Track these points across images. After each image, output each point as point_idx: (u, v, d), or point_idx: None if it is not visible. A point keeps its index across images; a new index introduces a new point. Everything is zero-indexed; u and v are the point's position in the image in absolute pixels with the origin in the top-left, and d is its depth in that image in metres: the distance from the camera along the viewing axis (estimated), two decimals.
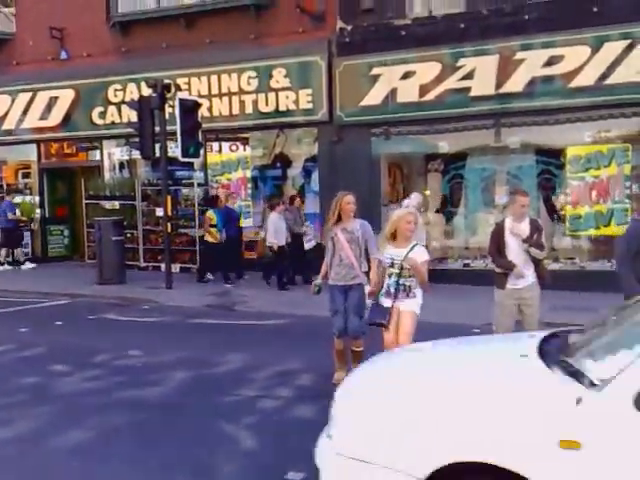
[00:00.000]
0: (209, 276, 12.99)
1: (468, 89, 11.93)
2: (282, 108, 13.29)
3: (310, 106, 13.05)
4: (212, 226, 12.62)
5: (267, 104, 13.41)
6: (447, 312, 9.02)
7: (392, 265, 5.59)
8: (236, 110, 13.69)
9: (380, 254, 5.77)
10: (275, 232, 11.83)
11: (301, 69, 13.16)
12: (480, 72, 11.82)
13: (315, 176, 13.64)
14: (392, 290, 5.59)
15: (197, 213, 13.98)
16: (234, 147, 14.47)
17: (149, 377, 6.59)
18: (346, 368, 6.07)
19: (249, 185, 14.16)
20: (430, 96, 12.16)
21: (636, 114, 11.05)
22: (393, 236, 5.67)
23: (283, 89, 13.28)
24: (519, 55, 11.58)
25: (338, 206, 6.17)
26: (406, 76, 12.32)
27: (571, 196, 11.67)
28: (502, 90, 11.70)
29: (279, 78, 13.32)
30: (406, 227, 5.62)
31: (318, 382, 6.30)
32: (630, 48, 10.77)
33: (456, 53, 11.97)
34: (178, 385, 6.37)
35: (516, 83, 11.61)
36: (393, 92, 12.41)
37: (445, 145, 13.03)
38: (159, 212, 13.46)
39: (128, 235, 14.21)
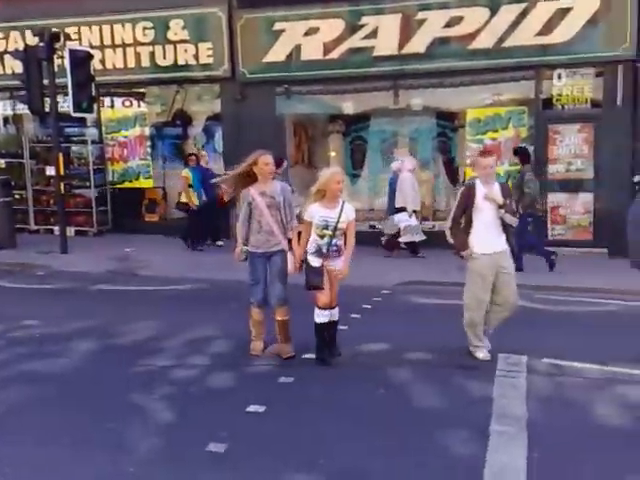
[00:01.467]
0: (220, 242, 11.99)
1: (371, 49, 11.86)
2: (181, 62, 12.71)
3: (211, 61, 12.56)
4: (190, 187, 11.68)
5: (165, 57, 12.77)
6: (356, 274, 9.13)
7: (326, 227, 5.51)
8: (131, 63, 12.95)
9: (307, 215, 5.57)
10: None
11: (200, 21, 12.59)
12: (382, 32, 11.78)
13: (218, 135, 13.22)
14: (324, 250, 5.54)
15: (92, 172, 13.30)
16: (130, 103, 13.75)
17: (50, 349, 6.22)
18: (263, 337, 5.98)
19: (147, 143, 13.54)
20: (334, 54, 11.99)
21: (532, 77, 11.41)
22: (322, 196, 5.55)
23: (181, 42, 12.68)
24: (420, 15, 11.62)
25: (254, 166, 5.74)
26: (309, 33, 12.10)
27: (470, 158, 11.97)
28: (404, 51, 11.72)
29: (177, 30, 12.70)
30: (336, 187, 5.51)
31: (233, 350, 6.17)
32: (526, 11, 11.04)
33: (358, 11, 11.86)
34: (83, 356, 6.04)
35: (417, 44, 11.64)
36: (297, 49, 12.16)
37: (349, 106, 13.00)
38: (50, 171, 12.61)
39: (17, 196, 13.28)
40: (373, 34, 11.80)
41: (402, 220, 10.84)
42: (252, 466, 3.91)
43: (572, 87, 11.12)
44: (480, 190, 5.72)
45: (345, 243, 5.65)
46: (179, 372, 5.56)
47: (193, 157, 11.98)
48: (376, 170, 13.13)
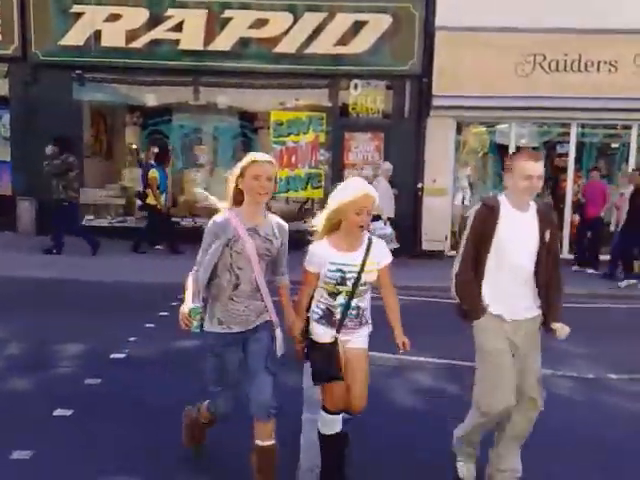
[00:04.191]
0: (159, 247, 11.29)
1: (176, 41, 11.74)
2: None
3: None
4: (158, 188, 10.87)
5: None
6: (157, 272, 9.17)
7: (342, 281, 3.45)
8: None
9: (311, 260, 3.50)
10: None
11: None
12: (187, 26, 11.71)
13: (5, 119, 12.19)
14: (338, 316, 3.51)
15: None
16: None
17: None
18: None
19: None
20: (136, 44, 11.69)
21: (330, 85, 12.04)
22: (335, 228, 3.50)
23: None
24: (226, 13, 11.73)
25: (244, 179, 3.42)
26: (110, 19, 11.65)
27: (275, 159, 12.26)
28: (209, 47, 11.76)
29: None
30: (357, 220, 3.39)
31: (28, 351, 5.81)
32: (326, 21, 11.60)
33: (163, 2, 11.67)
34: None
35: (222, 42, 11.75)
36: (97, 34, 11.64)
37: (148, 97, 12.74)
38: None
39: None
40: (178, 27, 11.69)
41: (377, 228, 10.16)
42: (60, 473, 3.75)
43: (366, 97, 11.94)
44: (509, 216, 3.47)
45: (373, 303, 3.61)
46: None
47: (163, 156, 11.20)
48: (176, 165, 12.99)
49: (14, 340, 6.08)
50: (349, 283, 3.46)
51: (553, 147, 12.56)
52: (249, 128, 12.97)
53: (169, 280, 8.62)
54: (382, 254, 3.55)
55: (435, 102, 11.50)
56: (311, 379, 3.58)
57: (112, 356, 5.70)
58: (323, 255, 3.46)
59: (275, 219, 3.56)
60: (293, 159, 12.11)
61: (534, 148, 11.22)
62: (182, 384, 5.11)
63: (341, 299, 3.50)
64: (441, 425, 4.27)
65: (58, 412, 4.49)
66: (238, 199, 3.45)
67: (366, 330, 3.60)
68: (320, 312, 3.55)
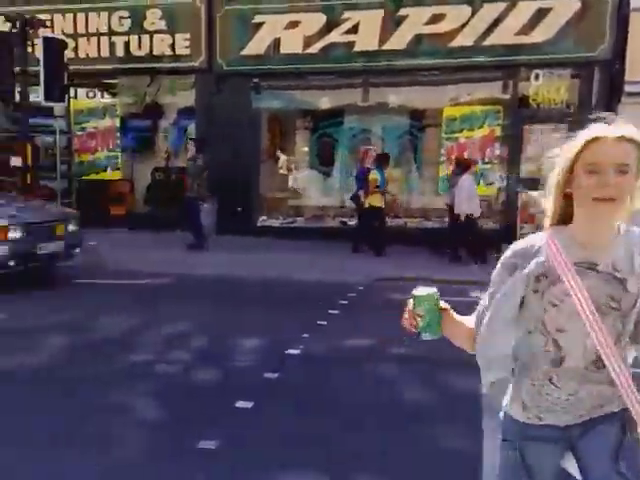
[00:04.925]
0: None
1: (351, 44, 11.83)
2: (157, 52, 12.53)
3: (188, 52, 12.41)
4: (376, 187, 10.83)
5: (140, 47, 12.58)
6: (328, 270, 9.27)
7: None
8: (105, 52, 12.72)
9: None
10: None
11: (179, 11, 12.43)
12: (364, 27, 11.74)
13: (191, 129, 13.01)
14: None
15: (59, 164, 12.97)
16: (101, 93, 13.49)
17: (21, 344, 6.00)
18: None
19: (117, 135, 13.28)
20: (313, 49, 11.93)
21: (508, 77, 11.49)
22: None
23: (158, 32, 12.51)
24: (402, 11, 11.60)
25: (574, 174, 1.85)
26: (289, 26, 12.00)
27: (445, 156, 11.98)
28: (384, 47, 11.71)
29: (154, 20, 12.51)
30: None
31: (211, 345, 6.05)
32: (507, 12, 11.10)
33: (339, 5, 11.80)
34: (57, 352, 5.83)
35: (396, 41, 11.64)
36: (276, 42, 12.05)
37: (323, 101, 12.93)
38: (15, 162, 12.21)
39: None
40: (353, 29, 11.77)
41: None
42: (244, 463, 3.81)
43: (548, 87, 11.22)
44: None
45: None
46: (160, 368, 5.41)
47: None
48: (346, 167, 13.10)
49: (197, 334, 6.37)
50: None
51: None
52: (416, 127, 12.74)
53: (344, 279, 8.78)
54: None
55: (628, 88, 10.52)
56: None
57: (287, 351, 5.77)
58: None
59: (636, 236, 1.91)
60: (465, 155, 11.68)
61: None
62: (356, 383, 5.05)
63: None
64: None
65: (240, 404, 4.58)
66: (564, 212, 1.94)
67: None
68: None
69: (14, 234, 7.89)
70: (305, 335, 6.22)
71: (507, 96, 11.55)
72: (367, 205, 10.81)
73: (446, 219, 11.08)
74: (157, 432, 4.20)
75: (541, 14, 10.96)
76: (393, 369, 5.43)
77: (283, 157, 13.16)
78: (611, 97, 10.80)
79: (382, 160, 11.16)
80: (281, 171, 13.34)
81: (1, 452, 3.90)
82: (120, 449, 3.95)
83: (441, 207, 11.65)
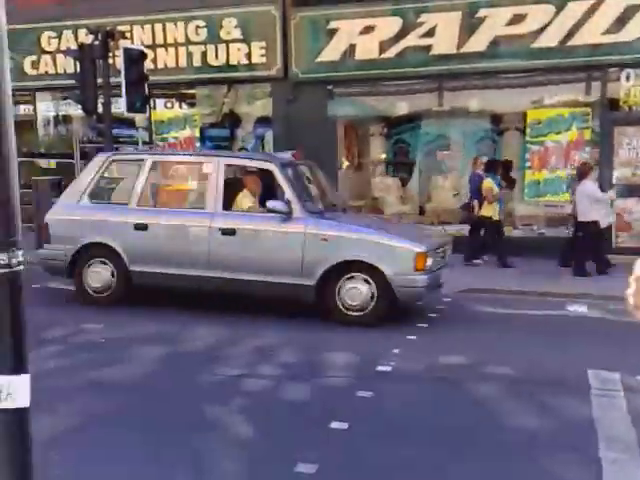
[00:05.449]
0: (478, 260, 10.57)
1: (428, 47, 11.55)
2: (233, 62, 12.54)
3: (263, 60, 12.36)
4: (493, 197, 10.26)
5: (217, 57, 12.62)
6: None
7: None
8: (183, 62, 12.83)
9: None
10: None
11: (253, 20, 12.41)
12: (441, 30, 11.44)
13: (268, 137, 12.98)
14: None
15: None
16: (180, 103, 13.63)
17: (115, 355, 6.02)
18: None
19: (197, 145, 13.39)
20: (389, 53, 11.71)
21: (597, 77, 10.97)
22: None
23: (234, 41, 12.52)
24: (481, 13, 11.26)
25: None
26: (364, 32, 11.82)
27: (530, 161, 11.52)
28: (462, 50, 11.38)
29: (230, 29, 12.53)
30: None
31: (302, 358, 5.91)
32: (593, 9, 10.61)
33: (415, 8, 11.55)
34: (151, 364, 5.82)
35: (476, 43, 11.29)
36: (351, 48, 11.89)
37: (398, 107, 12.69)
38: None
39: None
40: (430, 32, 11.49)
41: None
42: None
43: None
44: None
45: None
46: (251, 383, 5.31)
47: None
48: (426, 172, 12.79)
49: (281, 347, 6.24)
50: None
51: None
52: (495, 131, 12.33)
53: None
54: None
55: None
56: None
57: (378, 368, 5.57)
58: None
59: None
60: (553, 159, 11.19)
61: None
62: (458, 404, 4.81)
63: None
64: None
65: (335, 425, 4.41)
66: None
67: None
68: None
69: (429, 262, 6.75)
70: (395, 350, 6.01)
71: (595, 98, 11.01)
72: (483, 215, 10.30)
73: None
74: (252, 452, 4.08)
75: (630, 11, 10.42)
76: (492, 390, 5.14)
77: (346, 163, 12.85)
78: None
79: (495, 166, 10.56)
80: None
81: (96, 470, 3.85)
82: (212, 470, 3.84)
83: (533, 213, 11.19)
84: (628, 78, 10.69)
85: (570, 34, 10.73)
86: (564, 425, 4.45)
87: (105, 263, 7.69)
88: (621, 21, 10.44)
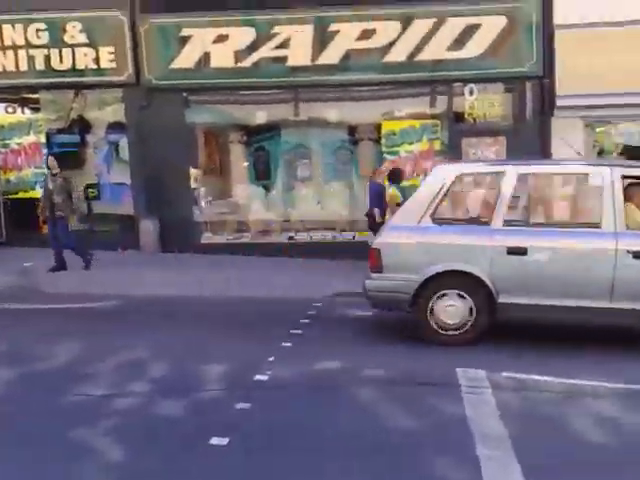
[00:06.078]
0: None
1: (283, 58, 11.66)
2: (80, 66, 11.92)
3: (113, 65, 11.86)
4: (398, 205, 9.81)
5: (62, 61, 11.92)
6: (282, 286, 9.01)
7: None
8: (24, 66, 11.98)
9: None
10: None
11: (100, 25, 11.87)
12: (295, 42, 11.59)
13: (123, 143, 12.45)
14: None
15: None
16: (22, 108, 12.74)
17: None
18: None
19: (44, 151, 12.52)
20: (246, 63, 11.68)
21: (440, 92, 11.63)
22: None
23: (80, 45, 11.90)
24: (333, 27, 11.54)
25: None
26: (218, 40, 11.69)
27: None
28: (317, 62, 11.60)
29: (74, 33, 11.90)
30: None
31: (172, 373, 5.64)
32: (436, 28, 11.22)
33: (270, 20, 11.61)
34: (3, 385, 5.29)
35: (329, 55, 11.56)
36: (206, 56, 11.71)
37: (256, 116, 12.68)
38: None
39: None
40: (285, 44, 11.61)
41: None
42: None
43: (483, 101, 11.45)
44: None
45: None
46: (120, 402, 4.96)
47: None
48: (286, 181, 12.87)
49: (154, 360, 5.93)
50: None
51: None
52: (351, 141, 12.70)
53: (297, 295, 8.52)
54: None
55: (559, 102, 10.84)
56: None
57: (256, 378, 5.44)
58: None
59: None
60: (407, 169, 11.69)
61: None
62: (338, 410, 4.81)
63: None
64: None
65: (214, 441, 4.20)
66: None
67: None
68: None
69: None
70: (271, 359, 5.91)
71: (441, 110, 11.68)
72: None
73: None
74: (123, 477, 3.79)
75: (470, 30, 11.16)
76: (372, 394, 5.18)
77: (194, 171, 12.61)
78: (543, 111, 11.11)
79: (397, 175, 10.59)
80: (193, 185, 12.75)
81: None
82: None
83: None
84: (471, 92, 11.44)
85: (417, 50, 11.31)
86: (442, 424, 4.57)
87: (462, 296, 6.44)
88: (462, 39, 11.15)
